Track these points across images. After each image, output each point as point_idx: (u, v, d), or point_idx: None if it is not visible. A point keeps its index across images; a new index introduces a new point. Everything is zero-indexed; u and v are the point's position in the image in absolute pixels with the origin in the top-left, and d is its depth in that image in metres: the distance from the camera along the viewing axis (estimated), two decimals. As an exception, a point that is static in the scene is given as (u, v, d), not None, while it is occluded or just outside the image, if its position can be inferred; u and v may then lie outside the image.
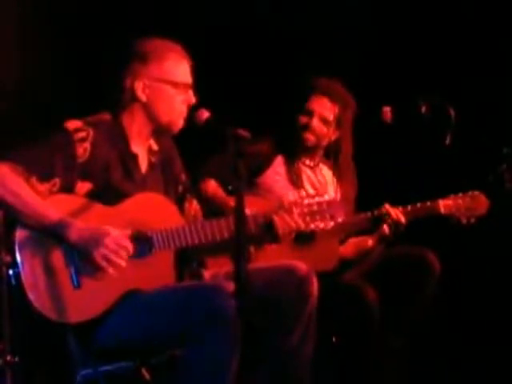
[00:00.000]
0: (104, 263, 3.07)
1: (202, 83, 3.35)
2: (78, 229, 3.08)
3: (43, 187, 3.14)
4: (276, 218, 3.30)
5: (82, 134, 3.23)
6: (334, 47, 4.92)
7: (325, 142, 4.21)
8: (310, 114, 4.16)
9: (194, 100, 3.32)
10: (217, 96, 3.44)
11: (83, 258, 3.09)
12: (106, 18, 4.77)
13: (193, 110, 3.24)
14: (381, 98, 4.05)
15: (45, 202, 3.11)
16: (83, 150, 3.22)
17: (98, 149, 3.23)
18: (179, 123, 3.33)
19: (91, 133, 3.24)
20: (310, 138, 4.17)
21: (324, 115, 4.15)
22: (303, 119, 4.17)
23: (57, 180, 3.16)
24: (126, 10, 4.79)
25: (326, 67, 4.23)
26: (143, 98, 3.29)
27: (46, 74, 4.68)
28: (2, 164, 3.10)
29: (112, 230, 3.10)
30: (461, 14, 4.89)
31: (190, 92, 3.33)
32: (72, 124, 3.25)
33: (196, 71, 3.35)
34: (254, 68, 4.95)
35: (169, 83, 3.29)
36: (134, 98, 3.29)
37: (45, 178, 3.14)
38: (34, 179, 3.13)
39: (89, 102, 3.37)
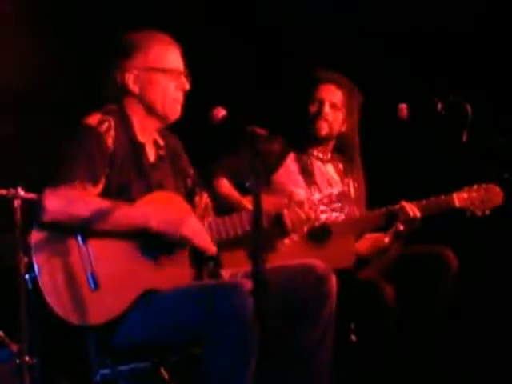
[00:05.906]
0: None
1: (206, 81, 3.34)
2: (155, 216, 3.12)
3: (98, 189, 3.15)
4: (285, 211, 3.30)
5: (105, 125, 3.22)
6: (351, 44, 4.92)
7: (336, 132, 4.24)
8: (320, 102, 4.21)
9: (187, 86, 3.32)
10: (223, 94, 3.41)
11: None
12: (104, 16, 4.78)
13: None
14: (397, 96, 4.05)
15: (118, 203, 3.12)
16: (112, 140, 3.22)
17: (117, 135, 3.24)
18: (176, 110, 3.32)
19: (111, 120, 3.24)
20: (323, 125, 4.20)
21: (333, 101, 4.21)
22: (314, 108, 4.21)
23: (103, 178, 3.17)
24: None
25: (341, 65, 4.23)
26: (136, 89, 3.29)
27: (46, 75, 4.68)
28: (62, 189, 3.07)
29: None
30: (478, 9, 4.88)
31: (183, 78, 3.32)
32: (93, 119, 3.23)
33: (199, 69, 3.34)
34: (259, 66, 4.96)
35: (158, 71, 3.28)
36: (128, 92, 3.30)
37: (96, 181, 3.15)
38: (89, 187, 3.13)
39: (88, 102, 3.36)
